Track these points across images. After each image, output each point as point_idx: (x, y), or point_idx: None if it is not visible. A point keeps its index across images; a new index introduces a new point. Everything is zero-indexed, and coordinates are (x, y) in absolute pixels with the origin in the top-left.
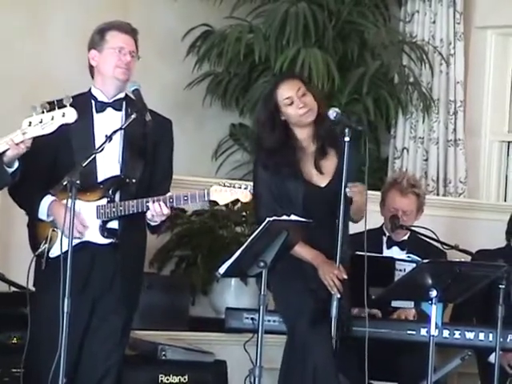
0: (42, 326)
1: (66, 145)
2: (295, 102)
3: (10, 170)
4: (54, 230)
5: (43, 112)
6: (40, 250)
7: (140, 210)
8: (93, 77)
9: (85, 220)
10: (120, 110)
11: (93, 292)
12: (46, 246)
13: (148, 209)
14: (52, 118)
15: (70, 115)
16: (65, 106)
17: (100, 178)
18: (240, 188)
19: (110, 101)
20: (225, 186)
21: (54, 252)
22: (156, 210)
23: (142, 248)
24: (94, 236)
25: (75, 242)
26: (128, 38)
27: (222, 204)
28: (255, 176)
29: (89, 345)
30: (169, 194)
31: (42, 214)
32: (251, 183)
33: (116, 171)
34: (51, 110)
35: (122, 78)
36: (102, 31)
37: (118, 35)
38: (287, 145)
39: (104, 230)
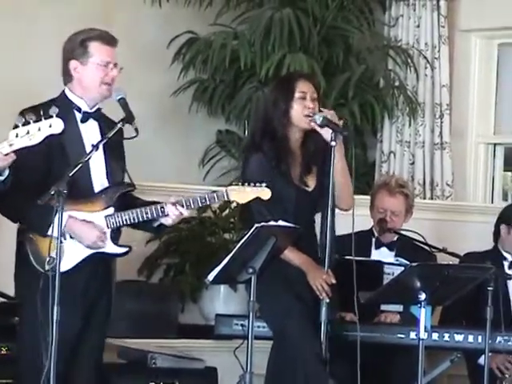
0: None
1: (61, 155)
2: (307, 101)
3: (1, 179)
4: (61, 243)
5: (29, 123)
6: (51, 265)
7: (155, 216)
8: (65, 82)
9: (104, 228)
10: (97, 120)
11: (91, 300)
12: (56, 260)
13: (163, 213)
14: (39, 129)
15: (56, 126)
16: (51, 117)
17: (96, 187)
18: (261, 186)
19: (92, 111)
20: (243, 185)
21: (64, 266)
22: (176, 214)
23: None
24: (108, 246)
25: (88, 253)
26: (111, 50)
27: (242, 203)
28: (246, 173)
29: (80, 353)
30: (185, 198)
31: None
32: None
33: (104, 179)
34: (38, 120)
35: (107, 94)
36: (84, 42)
37: (102, 48)
38: (283, 143)
39: (116, 240)
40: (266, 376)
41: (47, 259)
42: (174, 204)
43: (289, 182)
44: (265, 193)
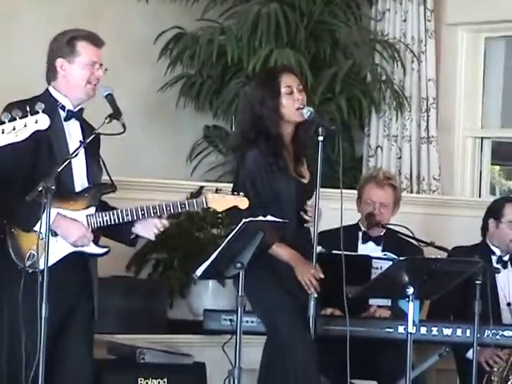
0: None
1: (48, 152)
2: (294, 94)
3: None
4: (42, 239)
5: (16, 119)
6: (31, 261)
7: (135, 218)
8: (49, 80)
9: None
10: (78, 119)
11: (70, 299)
12: (36, 257)
13: (144, 217)
14: (25, 125)
15: (42, 122)
16: (37, 113)
17: (77, 186)
18: (238, 195)
19: (75, 110)
20: (222, 193)
21: (44, 264)
22: (159, 227)
23: None
24: (88, 246)
25: (67, 251)
26: (98, 51)
27: (219, 210)
28: (243, 170)
29: (65, 350)
30: (165, 203)
31: (42, 226)
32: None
33: (84, 178)
34: (24, 116)
35: (92, 94)
36: (71, 41)
37: (89, 48)
38: (278, 140)
39: (96, 240)
40: (260, 370)
41: (28, 255)
42: (153, 210)
43: (288, 176)
44: (243, 202)
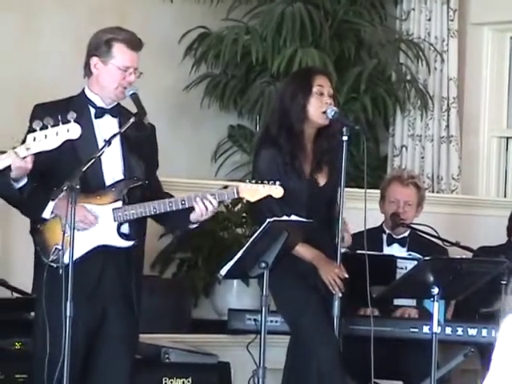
0: (53, 333)
1: (72, 153)
2: (324, 97)
3: (18, 185)
4: (66, 233)
5: (47, 127)
6: (55, 256)
7: (163, 211)
8: (85, 76)
9: (95, 213)
10: (116, 116)
11: (105, 296)
12: (61, 252)
13: (170, 208)
14: (57, 134)
15: (74, 131)
16: (69, 121)
17: (107, 181)
18: (274, 184)
19: (108, 107)
20: (256, 183)
21: (67, 258)
22: (201, 208)
23: (143, 251)
24: (113, 239)
25: (93, 245)
26: (134, 55)
27: (252, 201)
28: (257, 167)
29: (101, 351)
30: (194, 194)
31: (47, 213)
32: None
33: (120, 174)
34: (55, 125)
35: (121, 97)
36: (109, 42)
37: (125, 52)
38: (299, 138)
39: (123, 233)
40: (284, 370)
41: (52, 250)
42: (201, 199)
43: (301, 177)
44: (277, 191)
